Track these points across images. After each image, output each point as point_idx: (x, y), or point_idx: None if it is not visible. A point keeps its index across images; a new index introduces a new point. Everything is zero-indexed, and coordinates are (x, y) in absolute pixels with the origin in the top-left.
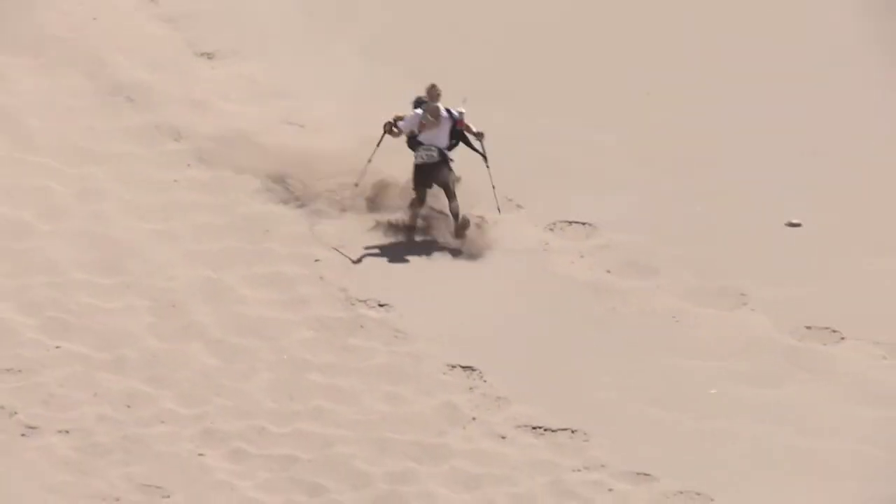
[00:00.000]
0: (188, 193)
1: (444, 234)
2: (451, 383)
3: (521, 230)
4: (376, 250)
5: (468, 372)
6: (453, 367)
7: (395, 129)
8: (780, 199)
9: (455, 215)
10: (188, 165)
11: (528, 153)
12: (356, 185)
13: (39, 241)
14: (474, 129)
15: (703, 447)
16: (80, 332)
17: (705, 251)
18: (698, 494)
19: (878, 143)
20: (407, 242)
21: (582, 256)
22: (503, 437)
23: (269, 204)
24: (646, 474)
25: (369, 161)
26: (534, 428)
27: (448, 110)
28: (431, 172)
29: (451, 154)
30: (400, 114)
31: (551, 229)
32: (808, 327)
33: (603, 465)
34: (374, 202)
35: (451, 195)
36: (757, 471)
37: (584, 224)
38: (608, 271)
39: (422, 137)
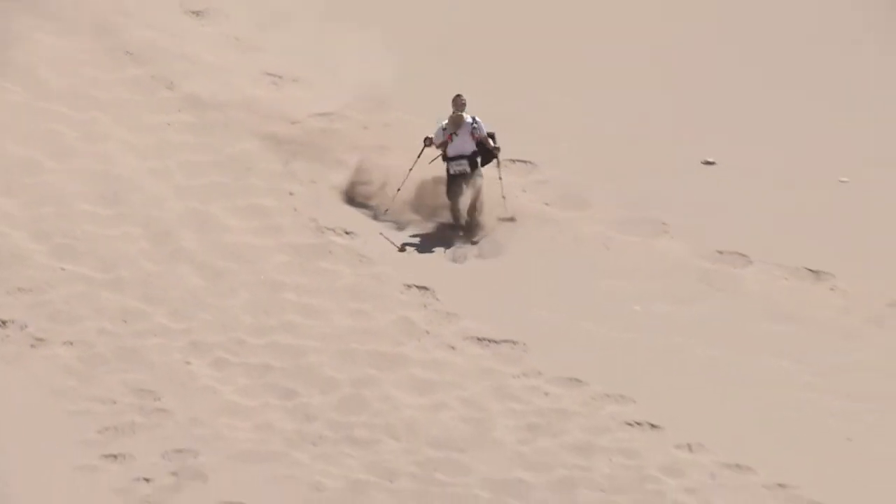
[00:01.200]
0: (179, 135)
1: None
2: (408, 301)
3: None
4: (344, 182)
5: (423, 291)
6: (410, 286)
7: (435, 143)
8: (696, 140)
9: (472, 216)
10: (179, 111)
11: (483, 105)
12: (398, 190)
13: (49, 177)
14: (492, 144)
15: (627, 356)
16: (83, 256)
17: (631, 186)
18: (622, 397)
19: (784, 90)
20: (368, 181)
21: (524, 191)
22: (453, 348)
23: (250, 143)
24: (577, 380)
25: (410, 170)
26: (480, 340)
27: (473, 118)
28: (463, 181)
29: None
30: (430, 135)
31: (503, 167)
32: (720, 252)
33: (539, 372)
34: (414, 205)
35: (477, 197)
36: (673, 377)
37: (526, 162)
38: (546, 204)
39: (450, 149)
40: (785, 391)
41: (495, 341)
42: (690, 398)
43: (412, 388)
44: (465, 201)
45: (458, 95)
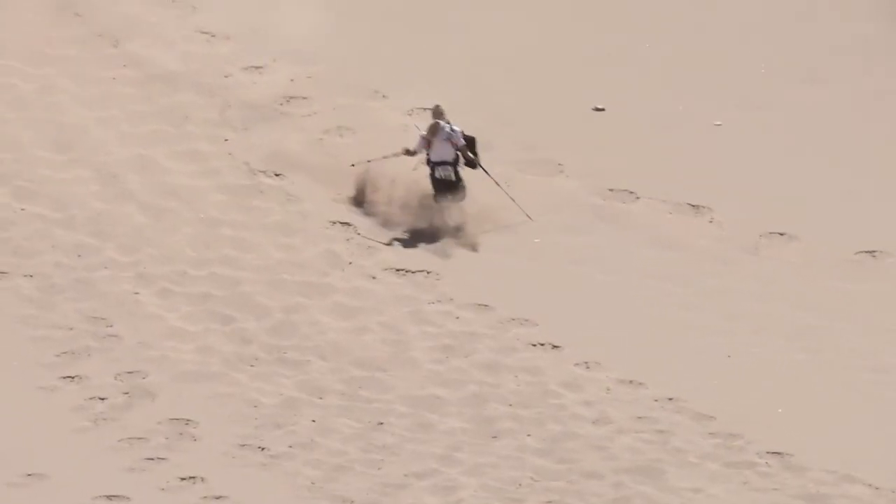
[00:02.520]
0: (123, 88)
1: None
2: (333, 235)
3: (385, 116)
4: (273, 129)
5: (346, 227)
6: (334, 223)
7: (412, 150)
8: (587, 88)
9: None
10: (123, 66)
11: (393, 58)
12: (368, 161)
13: (6, 127)
14: (470, 155)
15: (529, 283)
16: (39, 198)
17: (529, 131)
18: (526, 320)
19: (663, 44)
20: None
21: None
22: (374, 278)
23: (188, 95)
24: (485, 305)
25: (384, 157)
26: (398, 270)
27: (450, 126)
28: (448, 187)
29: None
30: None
31: (409, 114)
32: (611, 189)
33: (451, 299)
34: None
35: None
36: (571, 302)
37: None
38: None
39: (433, 155)
40: (671, 312)
41: (411, 271)
42: (587, 320)
43: (337, 314)
44: (450, 213)
45: (437, 105)
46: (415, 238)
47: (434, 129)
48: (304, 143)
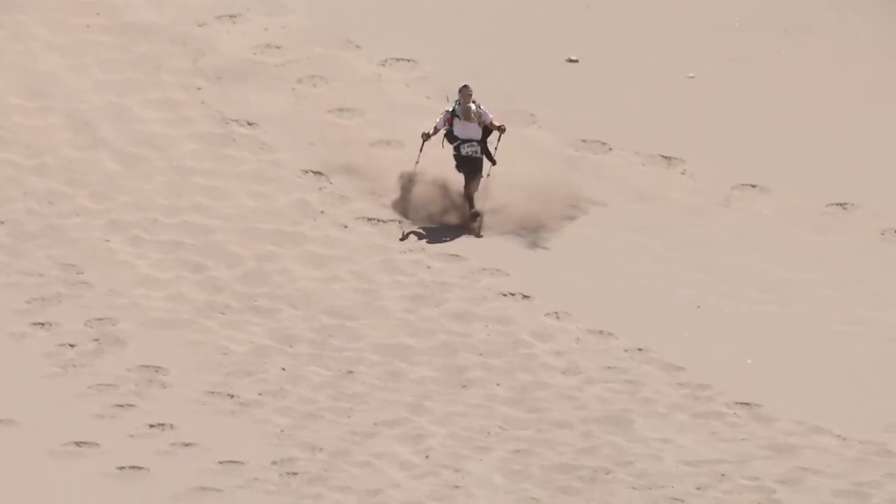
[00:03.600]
0: (97, 36)
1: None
2: (305, 184)
3: (359, 66)
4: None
5: (318, 176)
6: (306, 172)
7: (429, 136)
8: (561, 40)
9: (471, 203)
10: (97, 14)
11: (367, 9)
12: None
13: None
14: (497, 124)
15: (500, 234)
16: (12, 145)
17: (503, 81)
18: (497, 270)
19: None
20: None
21: (407, 85)
22: (345, 227)
23: (161, 43)
24: (456, 255)
25: (417, 163)
26: (369, 219)
27: (477, 105)
28: (469, 163)
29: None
30: (427, 131)
31: (383, 64)
32: (584, 140)
33: (423, 249)
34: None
35: (475, 186)
36: (541, 252)
37: (408, 60)
38: (427, 97)
39: (457, 132)
40: (642, 264)
41: (383, 220)
42: (558, 271)
43: (309, 263)
44: (473, 186)
45: (465, 86)
46: (387, 190)
47: (467, 113)
48: (278, 92)
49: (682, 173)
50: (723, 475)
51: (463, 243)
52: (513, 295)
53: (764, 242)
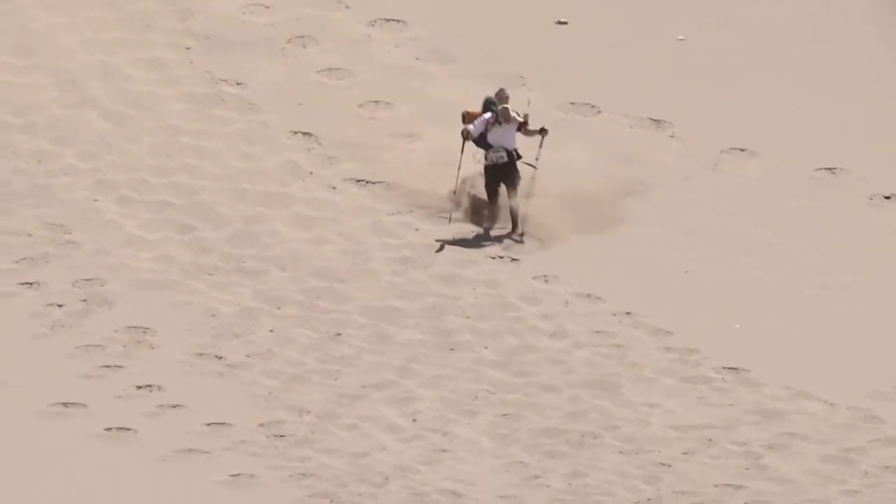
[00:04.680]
0: None
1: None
2: (294, 145)
3: (348, 26)
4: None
5: (307, 137)
6: (295, 132)
7: (472, 135)
8: (550, 1)
9: (514, 214)
10: None
11: None
12: (454, 192)
13: None
14: (536, 128)
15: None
16: (0, 104)
17: (492, 43)
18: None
19: None
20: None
21: (397, 46)
22: (334, 188)
23: (150, 2)
24: (443, 216)
25: (459, 168)
26: (358, 181)
27: (516, 112)
28: (500, 173)
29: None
30: (470, 109)
31: (372, 24)
32: (573, 103)
33: (411, 211)
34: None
35: (513, 194)
36: (531, 215)
37: (398, 21)
38: (417, 58)
39: (491, 138)
40: (630, 228)
41: (371, 182)
42: (546, 233)
43: (297, 224)
44: (503, 200)
45: (502, 89)
46: (375, 151)
47: (506, 115)
48: (267, 52)
49: (671, 136)
50: (710, 440)
51: (449, 206)
52: (501, 258)
53: (752, 207)
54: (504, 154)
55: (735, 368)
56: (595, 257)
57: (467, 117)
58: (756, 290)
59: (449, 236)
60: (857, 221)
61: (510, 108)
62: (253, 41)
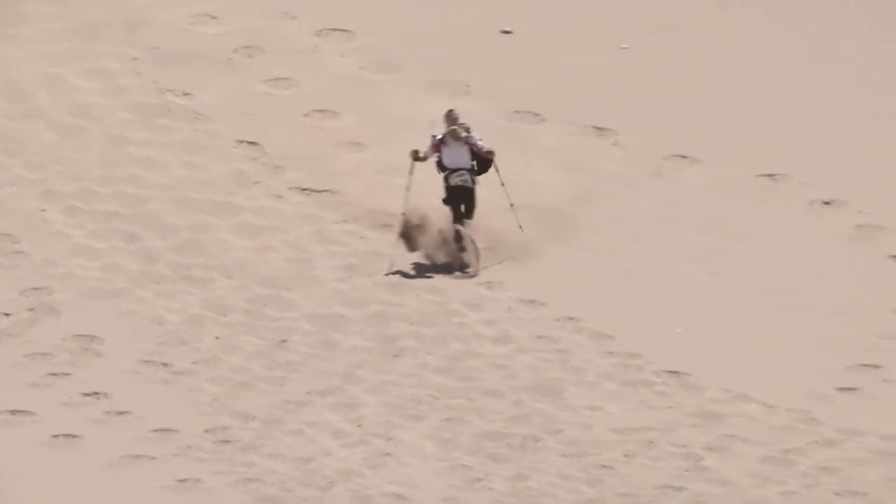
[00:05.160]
0: (34, 5)
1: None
2: (240, 155)
3: (295, 36)
4: (182, 48)
5: (253, 146)
6: (241, 142)
7: (420, 155)
8: (496, 11)
9: (460, 240)
10: None
11: None
12: (403, 214)
13: None
14: (485, 149)
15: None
16: None
17: (437, 52)
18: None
19: None
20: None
21: (343, 56)
22: (280, 197)
23: (98, 14)
24: (389, 225)
25: (407, 190)
26: (303, 189)
27: (467, 131)
28: (464, 193)
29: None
30: (416, 148)
31: (319, 34)
32: (517, 111)
33: (356, 219)
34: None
35: (469, 216)
36: (474, 222)
37: (344, 31)
38: (362, 68)
39: (447, 160)
40: (573, 234)
41: (317, 190)
42: (490, 241)
43: (243, 233)
44: (464, 220)
45: (451, 110)
46: (321, 160)
47: (456, 135)
48: (213, 62)
49: (614, 144)
50: (651, 442)
51: (396, 214)
52: (445, 264)
53: (694, 213)
54: (467, 176)
55: (676, 372)
56: (538, 263)
57: (414, 154)
58: (698, 295)
59: (393, 245)
60: (797, 227)
61: (458, 129)
62: (199, 52)
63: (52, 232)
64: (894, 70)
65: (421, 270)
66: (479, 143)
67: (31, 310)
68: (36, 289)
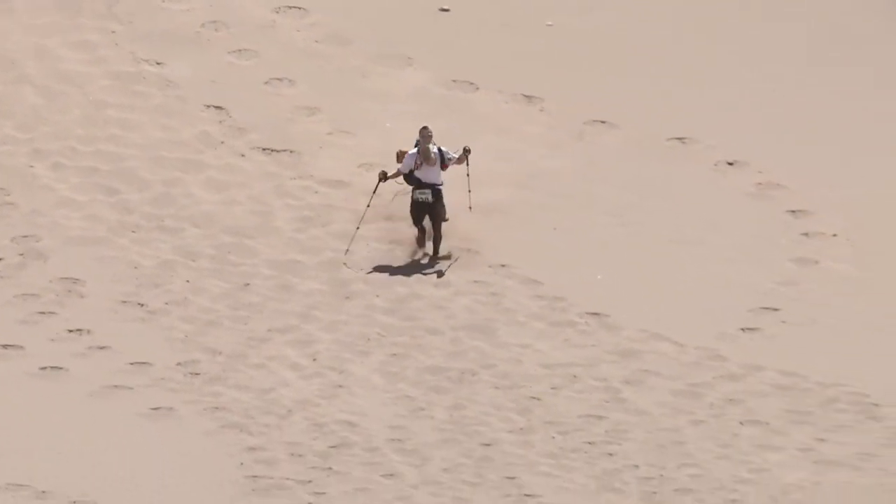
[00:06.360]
0: None
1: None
2: (207, 118)
3: (256, 12)
4: (155, 22)
5: (219, 110)
6: (209, 106)
7: (387, 177)
8: None
9: (436, 246)
10: None
11: None
12: (357, 228)
13: None
14: (457, 155)
15: (382, 162)
16: None
17: (384, 28)
18: (377, 195)
19: None
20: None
21: (298, 31)
22: (243, 156)
23: None
24: (342, 181)
25: (368, 206)
26: (264, 149)
27: (440, 150)
28: (426, 208)
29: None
30: (404, 149)
31: (277, 11)
32: (454, 81)
33: (311, 175)
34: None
35: (437, 227)
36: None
37: (299, 8)
38: (316, 41)
39: (418, 174)
40: (505, 190)
41: (276, 150)
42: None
43: (210, 188)
44: (427, 228)
45: (425, 127)
46: (280, 123)
47: (427, 155)
48: (183, 35)
49: (541, 110)
50: (575, 376)
51: (347, 171)
52: (391, 218)
53: (612, 172)
54: (429, 194)
55: (597, 314)
56: (474, 217)
57: (401, 156)
58: (616, 245)
59: (344, 202)
60: (704, 185)
61: (432, 149)
62: (171, 26)
63: (39, 185)
64: (791, 39)
65: (368, 221)
66: (452, 157)
67: (21, 255)
68: (25, 236)
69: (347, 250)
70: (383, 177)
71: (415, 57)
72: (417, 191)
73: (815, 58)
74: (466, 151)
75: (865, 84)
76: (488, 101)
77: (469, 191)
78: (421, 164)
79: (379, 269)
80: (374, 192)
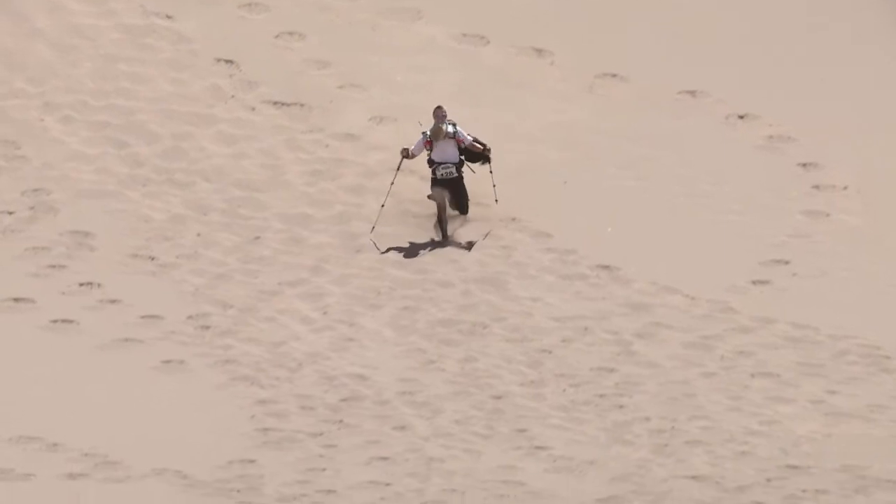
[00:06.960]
0: None
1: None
2: (217, 71)
3: None
4: None
5: (229, 64)
6: (219, 60)
7: (411, 154)
8: None
9: (444, 232)
10: None
11: None
12: (382, 206)
13: None
14: (480, 147)
15: (392, 114)
16: None
17: None
18: (386, 148)
19: None
20: None
21: None
22: (253, 109)
23: None
24: (352, 135)
25: (392, 184)
26: (275, 103)
27: (454, 126)
28: (449, 185)
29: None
30: (407, 146)
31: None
32: (465, 34)
33: (322, 129)
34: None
35: (462, 210)
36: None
37: None
38: None
39: (435, 155)
40: (515, 144)
41: (287, 104)
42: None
43: (221, 141)
44: (448, 208)
45: (439, 107)
46: (290, 77)
47: (438, 133)
48: None
49: (551, 64)
50: (586, 329)
51: (358, 125)
52: (402, 170)
53: (624, 125)
54: (453, 169)
55: (608, 266)
56: (484, 171)
57: (405, 153)
58: (627, 198)
59: (354, 156)
60: (715, 138)
61: (444, 128)
62: None
63: (50, 139)
64: None
65: (379, 174)
66: (466, 137)
67: (32, 208)
68: (36, 190)
69: (373, 228)
70: (406, 154)
71: (425, 10)
72: (440, 168)
73: (826, 7)
74: (487, 150)
75: (877, 36)
76: (499, 54)
77: (494, 185)
78: (434, 144)
79: (389, 222)
80: (398, 168)
